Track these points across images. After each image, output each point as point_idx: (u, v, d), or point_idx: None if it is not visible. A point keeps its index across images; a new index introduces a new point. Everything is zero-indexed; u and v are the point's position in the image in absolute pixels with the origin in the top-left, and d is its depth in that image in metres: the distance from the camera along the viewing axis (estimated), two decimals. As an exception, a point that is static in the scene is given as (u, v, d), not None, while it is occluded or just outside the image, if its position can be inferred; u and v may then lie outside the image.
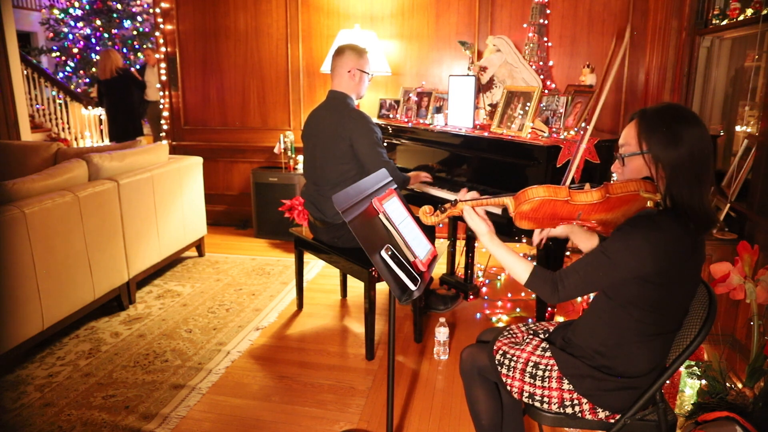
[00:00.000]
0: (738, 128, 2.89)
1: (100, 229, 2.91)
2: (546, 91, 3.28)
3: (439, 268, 3.69)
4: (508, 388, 1.54)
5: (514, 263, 1.46)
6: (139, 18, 9.29)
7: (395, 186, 1.90)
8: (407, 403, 2.32)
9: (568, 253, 3.92)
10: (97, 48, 9.12)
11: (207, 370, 2.53)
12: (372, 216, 1.67)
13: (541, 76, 3.51)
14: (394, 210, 1.74)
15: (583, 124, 2.80)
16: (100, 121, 7.63)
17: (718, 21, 2.92)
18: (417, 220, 1.84)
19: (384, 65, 4.21)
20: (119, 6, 9.15)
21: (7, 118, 5.39)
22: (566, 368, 1.48)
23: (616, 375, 1.43)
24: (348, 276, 3.34)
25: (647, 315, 1.38)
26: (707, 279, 1.73)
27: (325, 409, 2.27)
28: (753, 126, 2.69)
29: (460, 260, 3.60)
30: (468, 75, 3.18)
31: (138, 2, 9.31)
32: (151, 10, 7.93)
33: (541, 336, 1.63)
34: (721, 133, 3.08)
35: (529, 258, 3.71)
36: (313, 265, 3.94)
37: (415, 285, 1.59)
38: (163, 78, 4.92)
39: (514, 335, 1.67)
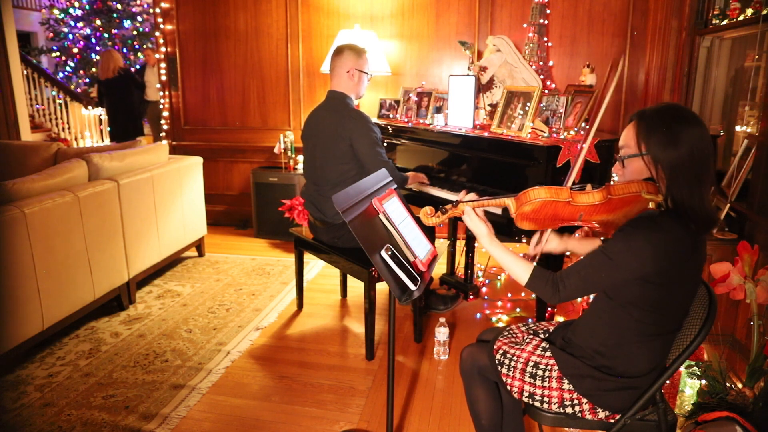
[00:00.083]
0: (738, 128, 2.89)
1: (100, 229, 2.91)
2: (546, 91, 3.28)
3: (439, 268, 3.69)
4: (508, 387, 1.54)
5: (514, 264, 1.46)
6: (139, 18, 9.29)
7: (395, 186, 1.90)
8: (407, 403, 2.32)
9: (568, 254, 3.92)
10: (97, 48, 9.12)
11: (207, 370, 2.53)
12: (372, 216, 1.67)
13: (541, 76, 3.51)
14: (394, 210, 1.74)
15: (583, 124, 2.80)
16: (100, 121, 7.63)
17: (718, 21, 2.92)
18: (417, 220, 1.84)
19: (384, 65, 4.21)
20: (119, 6, 9.15)
21: (7, 118, 5.39)
22: (566, 368, 1.48)
23: (616, 375, 1.43)
24: (348, 276, 3.34)
25: (647, 315, 1.38)
26: (707, 279, 1.73)
27: (325, 409, 2.27)
28: (753, 126, 2.69)
29: (460, 260, 3.60)
30: (468, 75, 3.18)
31: (138, 2, 9.31)
32: (151, 10, 7.93)
33: (541, 336, 1.63)
34: (721, 133, 3.08)
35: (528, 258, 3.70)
36: (313, 265, 3.94)
37: (415, 285, 1.59)
38: (163, 78, 4.92)
39: (514, 335, 1.67)
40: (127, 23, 9.20)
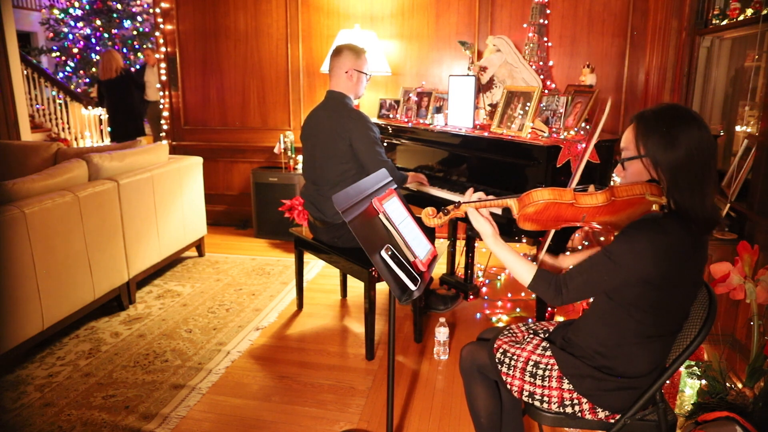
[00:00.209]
0: (738, 128, 2.89)
1: (100, 229, 2.91)
2: (546, 91, 3.28)
3: (439, 268, 3.69)
4: (508, 386, 1.54)
5: (518, 265, 1.45)
6: (139, 18, 9.29)
7: (395, 186, 1.90)
8: (407, 403, 2.32)
9: (567, 254, 3.91)
10: (97, 48, 9.12)
11: (207, 370, 2.53)
12: (372, 216, 1.67)
13: (541, 76, 3.51)
14: (394, 210, 1.74)
15: (583, 124, 2.80)
16: (100, 121, 7.63)
17: (718, 21, 2.92)
18: (417, 220, 1.84)
19: (384, 65, 4.21)
20: (119, 6, 9.15)
21: (7, 118, 5.39)
22: (566, 368, 1.48)
23: (617, 375, 1.43)
24: (348, 276, 3.34)
25: (648, 316, 1.38)
26: (707, 279, 1.73)
27: (325, 409, 2.27)
28: (753, 126, 2.69)
29: (460, 260, 3.60)
30: (468, 75, 3.18)
31: (138, 2, 9.31)
32: (151, 10, 7.93)
33: (541, 335, 1.64)
34: (721, 133, 3.08)
35: (529, 258, 3.71)
36: (313, 265, 3.94)
37: (415, 285, 1.59)
38: (163, 78, 4.92)
39: (515, 335, 1.67)
40: (127, 23, 9.20)
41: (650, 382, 1.43)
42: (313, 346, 2.79)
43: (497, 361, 1.58)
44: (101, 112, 7.23)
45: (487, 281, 3.63)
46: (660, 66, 3.51)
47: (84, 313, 2.87)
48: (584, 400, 1.46)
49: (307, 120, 2.85)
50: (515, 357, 1.55)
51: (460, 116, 3.07)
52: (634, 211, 1.42)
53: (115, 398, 2.30)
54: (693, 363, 1.99)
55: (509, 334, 1.66)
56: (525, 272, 1.44)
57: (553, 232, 1.88)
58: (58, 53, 9.32)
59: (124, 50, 9.14)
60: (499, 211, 2.49)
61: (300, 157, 4.28)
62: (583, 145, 2.51)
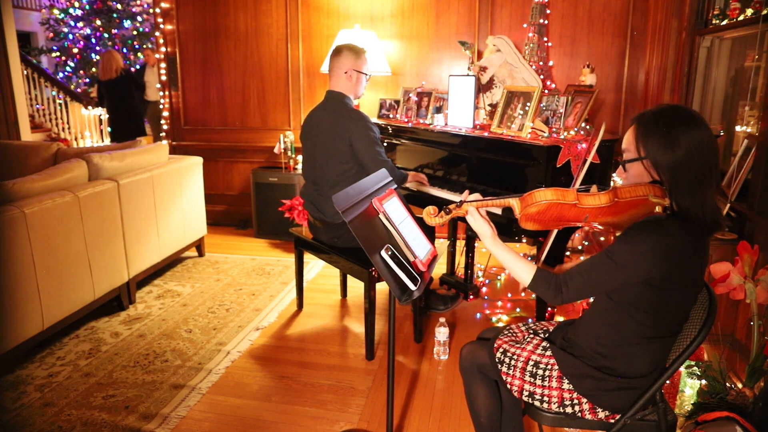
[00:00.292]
0: (738, 128, 2.89)
1: (100, 229, 2.91)
2: (546, 91, 3.28)
3: (439, 268, 3.69)
4: (508, 386, 1.54)
5: (517, 265, 1.45)
6: (139, 18, 9.29)
7: (395, 185, 1.90)
8: (407, 403, 2.32)
9: (568, 254, 3.92)
10: (97, 48, 9.12)
11: (207, 370, 2.53)
12: (372, 216, 1.67)
13: (541, 76, 3.51)
14: (394, 210, 1.74)
15: (583, 124, 2.80)
16: (100, 121, 7.63)
17: (718, 21, 2.92)
18: (417, 220, 1.84)
19: (384, 65, 4.21)
20: (119, 6, 9.15)
21: (7, 118, 5.39)
22: (566, 368, 1.48)
23: (617, 375, 1.43)
24: (348, 276, 3.34)
25: (648, 317, 1.38)
26: (707, 279, 1.73)
27: (325, 409, 2.27)
28: (753, 126, 2.69)
29: (460, 260, 3.60)
30: (468, 75, 3.18)
31: (138, 2, 9.31)
32: (151, 10, 7.93)
33: (541, 335, 1.63)
34: (721, 133, 3.08)
35: (529, 258, 3.71)
36: (313, 265, 3.94)
37: (415, 285, 1.59)
38: (163, 78, 4.92)
39: (515, 334, 1.67)
40: (127, 23, 9.20)
41: (650, 383, 1.43)
42: (313, 346, 2.79)
43: (497, 360, 1.58)
44: (101, 112, 7.23)
45: (487, 281, 3.63)
46: (660, 66, 3.51)
47: (84, 313, 2.87)
48: (584, 400, 1.46)
49: (307, 120, 2.85)
50: (515, 357, 1.55)
51: (460, 116, 3.07)
52: (636, 212, 1.41)
53: (115, 398, 2.30)
54: (693, 363, 1.99)
55: (509, 334, 1.66)
56: (524, 272, 1.43)
57: (555, 232, 1.88)
58: (58, 53, 9.32)
59: (124, 50, 9.14)
60: (499, 211, 2.49)
61: (300, 157, 4.29)
62: (584, 146, 2.51)
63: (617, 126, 4.14)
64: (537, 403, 1.50)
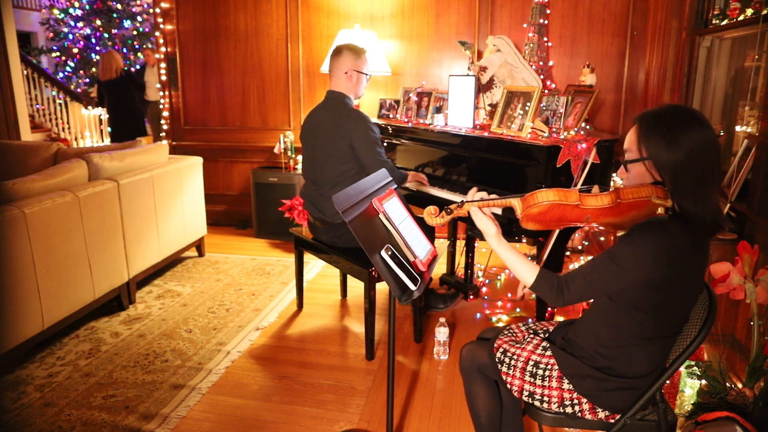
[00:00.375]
0: (738, 128, 2.89)
1: (100, 229, 2.91)
2: (546, 91, 3.28)
3: (439, 268, 3.69)
4: (508, 386, 1.54)
5: (521, 266, 1.44)
6: (139, 18, 9.29)
7: (395, 185, 1.90)
8: (407, 403, 2.32)
9: (567, 253, 3.92)
10: (97, 48, 9.11)
11: (207, 370, 2.53)
12: (372, 216, 1.67)
13: (541, 76, 3.51)
14: (394, 210, 1.74)
15: (583, 124, 2.80)
16: (100, 121, 7.63)
17: (718, 21, 2.92)
18: (417, 219, 1.84)
19: (384, 65, 4.21)
20: (119, 6, 9.15)
21: (7, 118, 5.39)
22: (566, 368, 1.48)
23: (617, 375, 1.43)
24: (348, 276, 3.34)
25: (648, 318, 1.37)
26: (707, 279, 1.73)
27: (325, 409, 2.27)
28: (753, 126, 2.69)
29: (460, 260, 3.60)
30: (468, 75, 3.18)
31: (138, 2, 9.31)
32: (151, 10, 7.93)
33: (541, 335, 1.63)
34: (721, 133, 3.08)
35: (529, 258, 3.71)
36: (313, 265, 3.94)
37: (415, 285, 1.59)
38: (163, 78, 4.92)
39: (515, 334, 1.67)
40: (127, 23, 9.20)
41: (650, 383, 1.43)
42: (313, 346, 2.79)
43: (497, 360, 1.58)
44: (101, 112, 7.24)
45: (487, 281, 3.63)
46: (660, 66, 3.51)
47: (84, 313, 2.87)
48: (584, 400, 1.46)
49: (307, 120, 2.85)
50: (515, 357, 1.55)
51: (460, 116, 3.07)
52: (638, 213, 1.41)
53: (115, 398, 2.30)
54: (693, 363, 1.99)
55: (509, 334, 1.66)
56: (527, 273, 1.43)
57: (556, 232, 1.88)
58: (58, 53, 9.32)
59: (124, 50, 9.14)
60: (499, 211, 2.49)
61: (300, 157, 4.29)
62: (584, 146, 2.51)
63: (617, 126, 4.14)
64: (537, 403, 1.50)
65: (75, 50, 9.19)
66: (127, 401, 2.28)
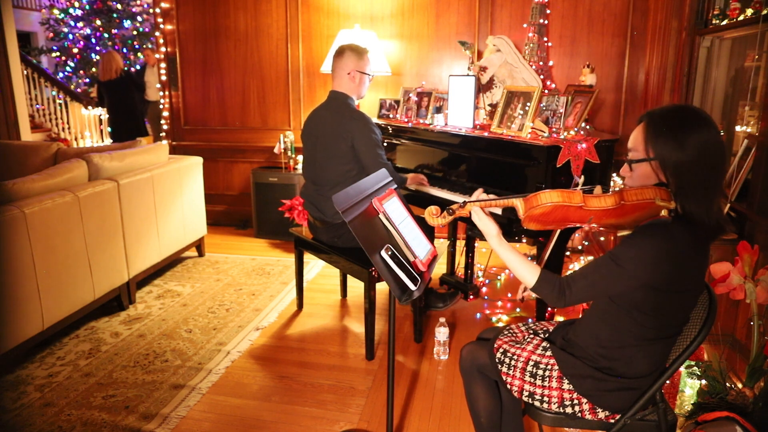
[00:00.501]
0: (738, 128, 2.89)
1: (100, 229, 2.91)
2: (546, 91, 3.28)
3: (439, 268, 3.69)
4: (508, 386, 1.54)
5: (522, 266, 1.44)
6: (139, 18, 9.28)
7: (395, 186, 1.90)
8: (407, 403, 2.32)
9: (568, 254, 3.92)
10: (97, 48, 9.11)
11: (207, 370, 2.53)
12: (372, 216, 1.67)
13: (541, 76, 3.51)
14: (394, 210, 1.74)
15: (583, 124, 2.80)
16: (100, 121, 7.63)
17: (718, 21, 2.92)
18: (417, 220, 1.84)
19: (384, 65, 4.21)
20: (119, 6, 9.14)
21: (7, 118, 5.39)
22: (566, 368, 1.48)
23: (617, 375, 1.43)
24: (348, 276, 3.34)
25: (649, 319, 1.37)
26: (707, 279, 1.73)
27: (325, 409, 2.27)
28: (753, 126, 2.69)
29: (460, 260, 3.60)
30: (468, 75, 3.18)
31: (138, 2, 9.31)
32: (151, 10, 7.93)
33: (541, 335, 1.63)
34: (721, 133, 3.08)
35: (529, 258, 3.71)
36: (313, 265, 3.94)
37: (415, 285, 1.59)
38: (163, 78, 4.92)
39: (515, 335, 1.67)
40: (127, 23, 9.20)
41: (650, 383, 1.43)
42: (313, 346, 2.79)
43: (497, 360, 1.58)
44: (101, 112, 7.24)
45: (487, 281, 3.63)
46: (660, 66, 3.51)
47: (84, 313, 2.87)
48: (584, 400, 1.46)
49: (309, 120, 2.85)
50: (515, 357, 1.55)
51: (460, 116, 3.07)
52: (641, 214, 1.40)
53: (115, 398, 2.30)
54: (693, 363, 1.99)
55: (509, 334, 1.66)
56: (529, 274, 1.43)
57: (558, 233, 1.88)
58: (58, 53, 9.31)
59: (124, 50, 9.14)
60: (498, 211, 2.49)
61: (300, 157, 4.29)
62: (584, 146, 2.51)
63: (617, 126, 4.14)
64: (537, 404, 1.50)
65: (75, 50, 9.19)
66: (127, 401, 2.28)
